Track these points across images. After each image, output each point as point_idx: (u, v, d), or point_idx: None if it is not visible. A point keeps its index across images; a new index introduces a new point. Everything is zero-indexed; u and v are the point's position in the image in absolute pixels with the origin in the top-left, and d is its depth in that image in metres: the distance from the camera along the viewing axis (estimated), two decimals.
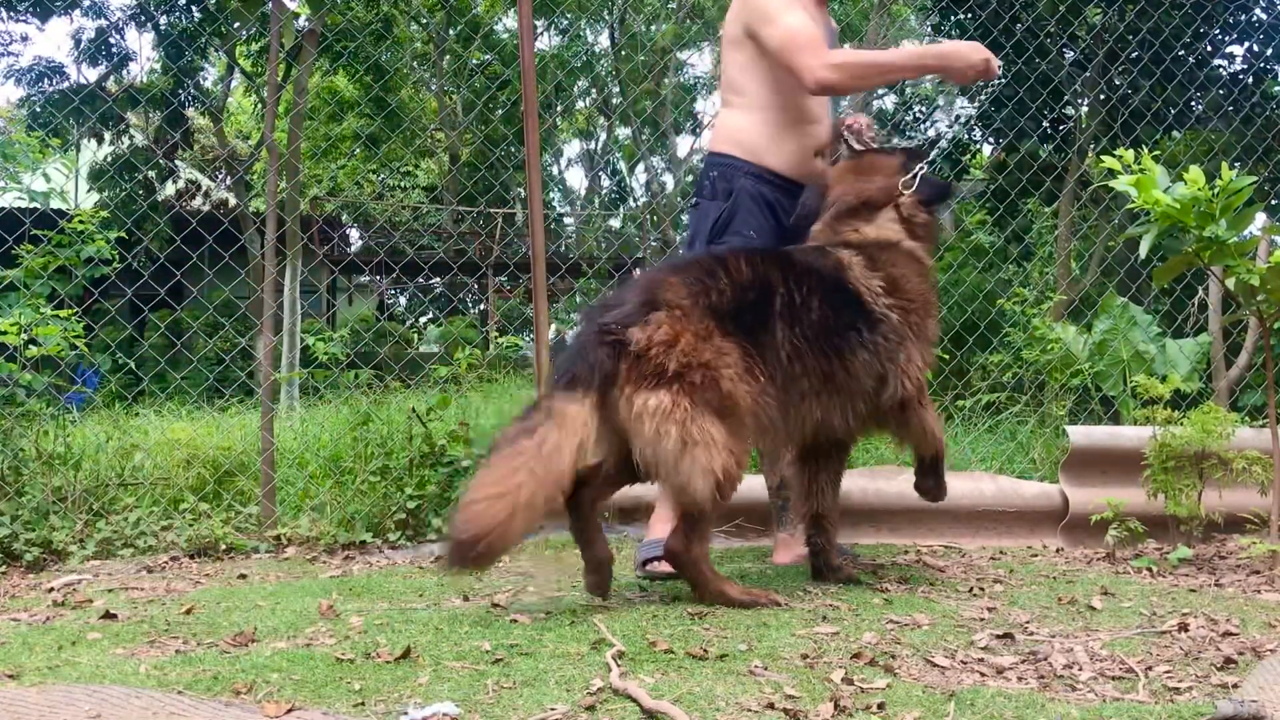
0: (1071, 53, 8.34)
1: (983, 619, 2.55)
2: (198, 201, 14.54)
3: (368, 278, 19.45)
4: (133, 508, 3.70)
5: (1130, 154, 3.48)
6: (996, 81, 7.59)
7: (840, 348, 2.77)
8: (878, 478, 4.07)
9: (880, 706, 1.81)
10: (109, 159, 12.50)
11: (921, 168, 3.07)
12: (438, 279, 19.70)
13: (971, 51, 3.12)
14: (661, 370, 2.49)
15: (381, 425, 4.14)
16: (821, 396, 2.77)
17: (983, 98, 8.54)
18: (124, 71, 12.84)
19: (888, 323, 2.85)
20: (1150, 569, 3.35)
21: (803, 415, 2.77)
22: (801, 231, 3.13)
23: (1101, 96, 8.04)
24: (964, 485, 4.06)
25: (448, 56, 17.21)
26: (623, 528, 3.92)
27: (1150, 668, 2.13)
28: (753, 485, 4.01)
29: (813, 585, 2.92)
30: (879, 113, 16.79)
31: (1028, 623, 2.52)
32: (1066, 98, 8.11)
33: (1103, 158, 3.56)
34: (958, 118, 10.65)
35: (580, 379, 2.50)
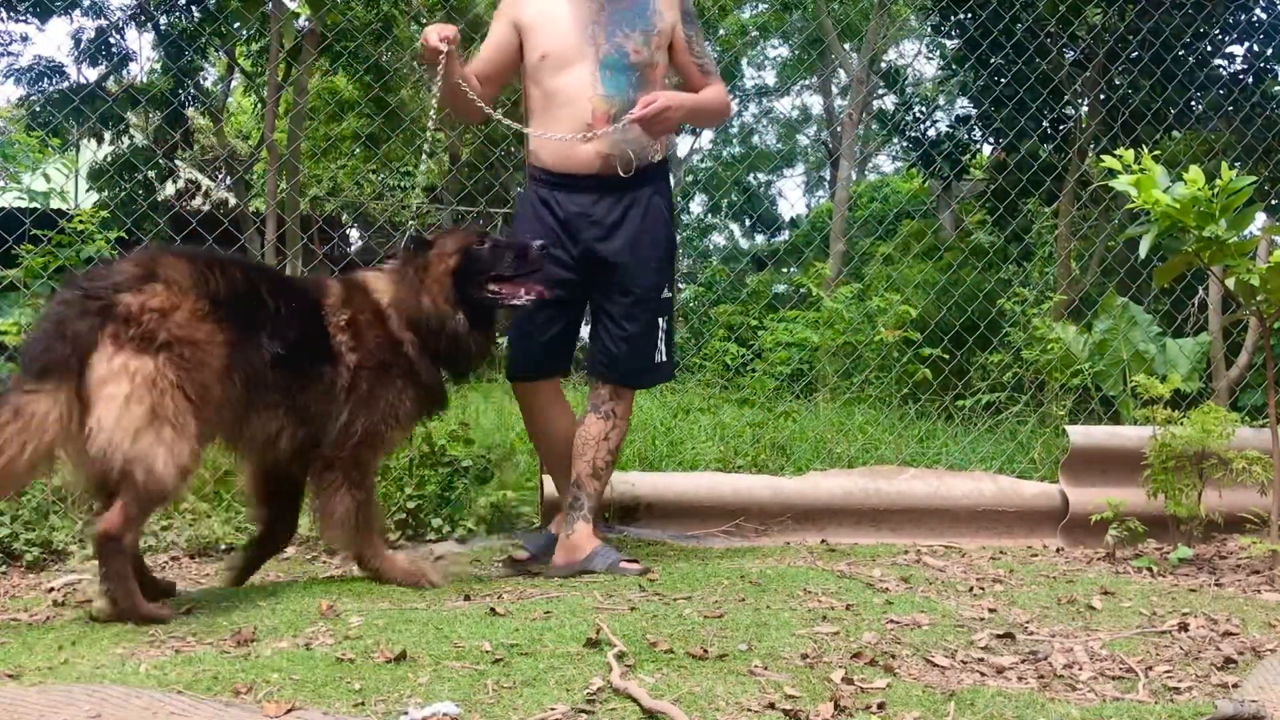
0: (1071, 53, 8.33)
1: (983, 619, 2.55)
2: (198, 201, 14.52)
3: None
4: None
5: (1130, 154, 3.49)
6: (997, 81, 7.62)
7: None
8: (878, 478, 4.08)
9: (880, 706, 1.81)
10: (109, 159, 12.48)
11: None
12: None
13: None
14: (150, 338, 2.39)
15: None
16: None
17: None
18: (124, 71, 12.82)
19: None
20: (1150, 569, 3.35)
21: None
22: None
23: (1101, 96, 8.03)
24: (964, 485, 4.06)
25: None
26: (622, 527, 3.92)
27: (1150, 668, 2.13)
28: (752, 485, 4.02)
29: (813, 585, 2.92)
30: (879, 112, 16.78)
31: (1028, 623, 2.52)
32: (1066, 98, 8.10)
33: (1103, 158, 3.56)
34: (958, 118, 10.63)
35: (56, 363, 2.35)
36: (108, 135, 12.64)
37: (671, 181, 3.36)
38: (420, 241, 2.95)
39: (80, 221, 4.15)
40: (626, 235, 3.18)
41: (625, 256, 3.19)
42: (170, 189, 14.28)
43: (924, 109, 11.94)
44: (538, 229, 3.19)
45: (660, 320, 3.28)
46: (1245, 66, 8.67)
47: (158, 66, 12.77)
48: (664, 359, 3.31)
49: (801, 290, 8.20)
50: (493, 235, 3.03)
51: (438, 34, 3.01)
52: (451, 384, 3.06)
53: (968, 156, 10.37)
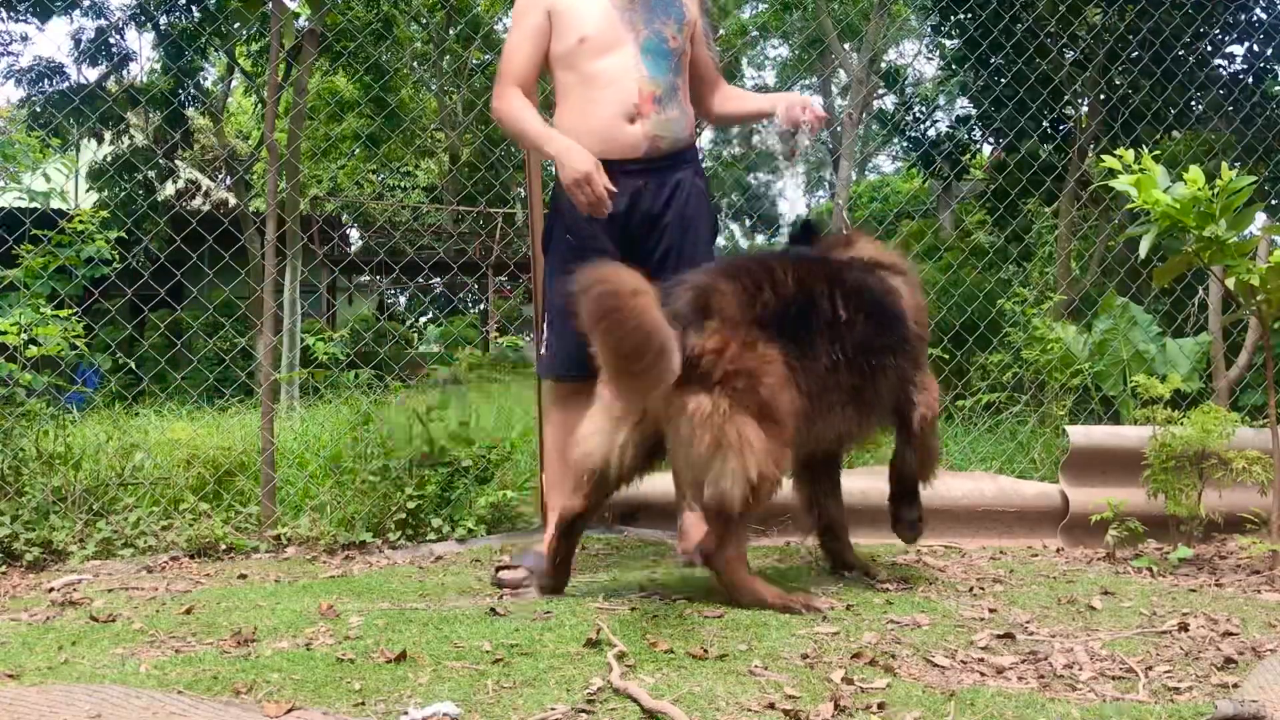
0: (1071, 53, 8.33)
1: (983, 619, 2.55)
2: (198, 201, 14.54)
3: (368, 278, 19.45)
4: (133, 508, 3.70)
5: (1130, 154, 3.48)
6: (997, 81, 7.62)
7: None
8: (878, 478, 4.07)
9: (880, 706, 1.81)
10: (109, 159, 12.49)
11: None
12: (438, 279, 19.70)
13: (578, 163, 2.94)
14: (707, 376, 2.50)
15: (381, 425, 4.14)
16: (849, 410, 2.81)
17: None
18: (124, 71, 12.84)
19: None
20: (1150, 569, 3.35)
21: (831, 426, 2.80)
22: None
23: (1101, 96, 8.03)
24: (964, 485, 4.05)
25: (448, 56, 17.23)
26: (623, 528, 3.92)
27: (1150, 668, 2.13)
28: None
29: (814, 586, 2.92)
30: (879, 112, 16.78)
31: (1028, 623, 2.52)
32: (1066, 98, 8.11)
33: (1103, 158, 3.56)
34: (958, 118, 10.63)
35: None
36: (108, 135, 12.66)
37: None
38: None
39: (80, 221, 4.15)
40: (674, 217, 3.19)
41: (675, 240, 3.18)
42: (170, 189, 14.29)
43: (924, 109, 11.94)
44: (581, 223, 3.14)
45: None
46: (1245, 66, 8.68)
47: (158, 66, 12.78)
48: None
49: None
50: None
51: (601, 198, 2.97)
52: None
53: (968, 156, 10.37)
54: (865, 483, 4.03)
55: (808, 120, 3.16)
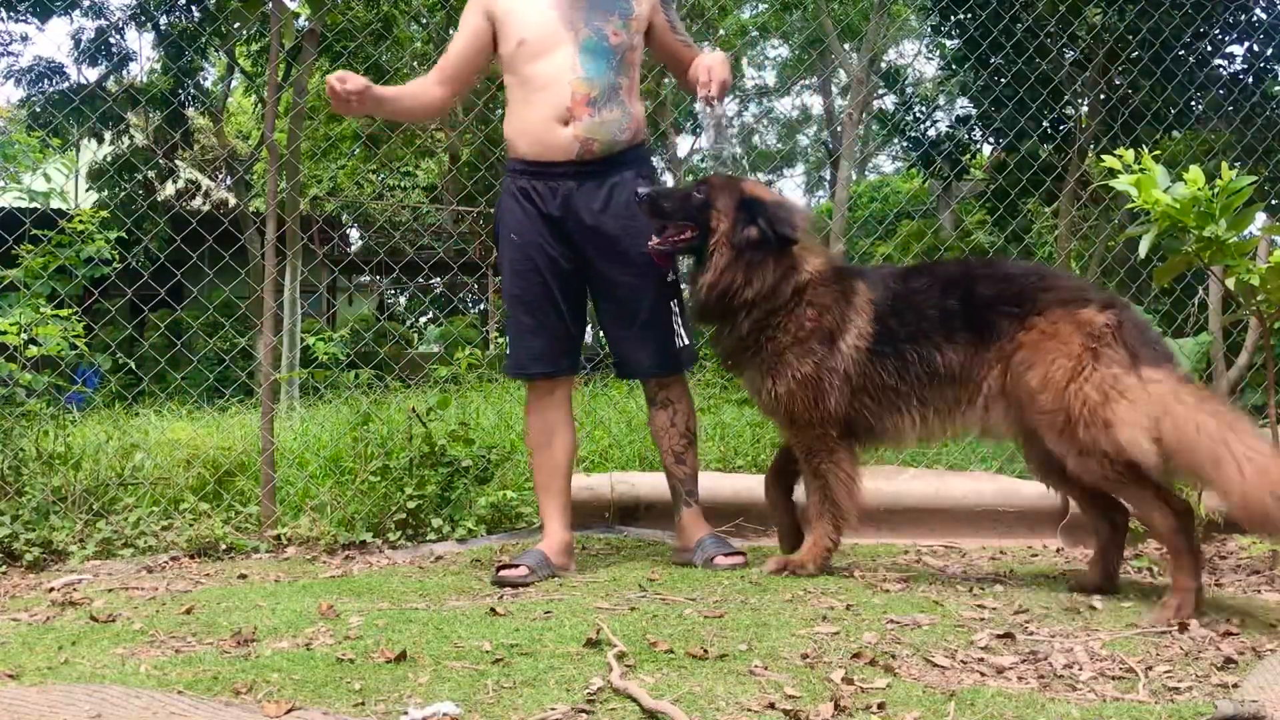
0: (1071, 53, 8.34)
1: (983, 619, 2.55)
2: (198, 201, 14.54)
3: (368, 278, 19.45)
4: (133, 508, 3.70)
5: (1130, 154, 3.48)
6: (997, 81, 7.62)
7: None
8: (877, 478, 4.07)
9: (880, 706, 1.81)
10: (109, 159, 12.49)
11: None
12: (438, 279, 19.70)
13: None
14: None
15: (381, 425, 4.15)
16: None
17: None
18: (124, 71, 12.84)
19: None
20: (1150, 569, 3.35)
21: None
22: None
23: (1101, 96, 8.04)
24: (964, 485, 4.06)
25: None
26: (623, 527, 3.92)
27: (1150, 668, 2.12)
28: (752, 485, 4.01)
29: (812, 585, 2.92)
30: (879, 112, 16.78)
31: (1028, 623, 2.52)
32: (1066, 98, 8.11)
33: (1103, 158, 3.56)
34: (958, 118, 10.63)
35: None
36: (108, 135, 12.65)
37: (656, 170, 3.33)
38: None
39: (80, 221, 4.15)
40: (612, 219, 3.14)
41: (614, 240, 3.14)
42: (170, 189, 14.29)
43: (924, 109, 11.94)
44: (522, 222, 3.15)
45: (671, 304, 3.25)
46: (1245, 66, 8.68)
47: (158, 66, 12.78)
48: (685, 343, 3.30)
49: None
50: None
51: (341, 85, 2.97)
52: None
53: (968, 156, 10.37)
54: (865, 482, 4.03)
55: (700, 95, 3.12)
